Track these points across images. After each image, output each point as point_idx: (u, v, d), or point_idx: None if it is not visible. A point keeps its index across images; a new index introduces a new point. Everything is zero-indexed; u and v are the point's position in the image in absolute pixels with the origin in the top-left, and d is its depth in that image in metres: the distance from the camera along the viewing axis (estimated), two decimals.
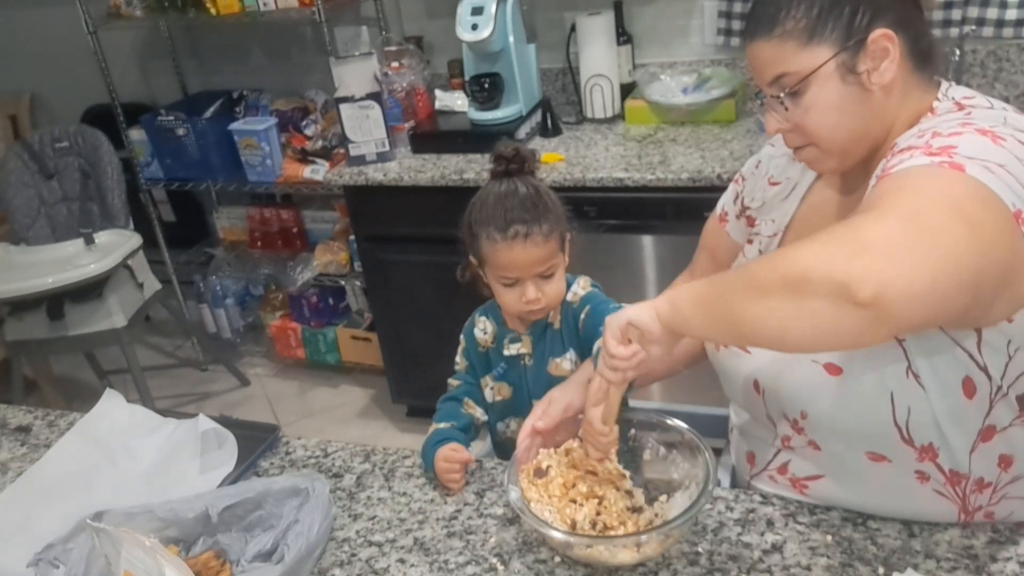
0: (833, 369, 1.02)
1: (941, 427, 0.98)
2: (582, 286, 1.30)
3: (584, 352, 1.28)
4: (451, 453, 1.24)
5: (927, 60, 1.04)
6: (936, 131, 0.93)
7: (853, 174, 1.10)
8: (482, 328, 1.35)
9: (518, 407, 1.33)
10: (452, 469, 1.23)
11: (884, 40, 0.98)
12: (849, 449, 1.05)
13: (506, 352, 1.32)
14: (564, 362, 1.29)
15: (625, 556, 1.04)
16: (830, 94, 1.00)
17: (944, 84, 1.05)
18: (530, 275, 1.22)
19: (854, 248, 0.78)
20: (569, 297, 1.29)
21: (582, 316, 1.27)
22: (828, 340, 0.83)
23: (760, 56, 1.04)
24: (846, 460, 1.06)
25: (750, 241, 1.26)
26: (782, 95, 1.02)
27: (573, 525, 1.08)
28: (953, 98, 1.03)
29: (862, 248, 0.77)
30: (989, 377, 0.96)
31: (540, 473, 1.14)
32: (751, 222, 1.28)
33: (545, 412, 1.18)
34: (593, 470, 1.13)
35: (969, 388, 0.96)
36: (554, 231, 1.22)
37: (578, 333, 1.28)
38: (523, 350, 1.31)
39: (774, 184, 1.24)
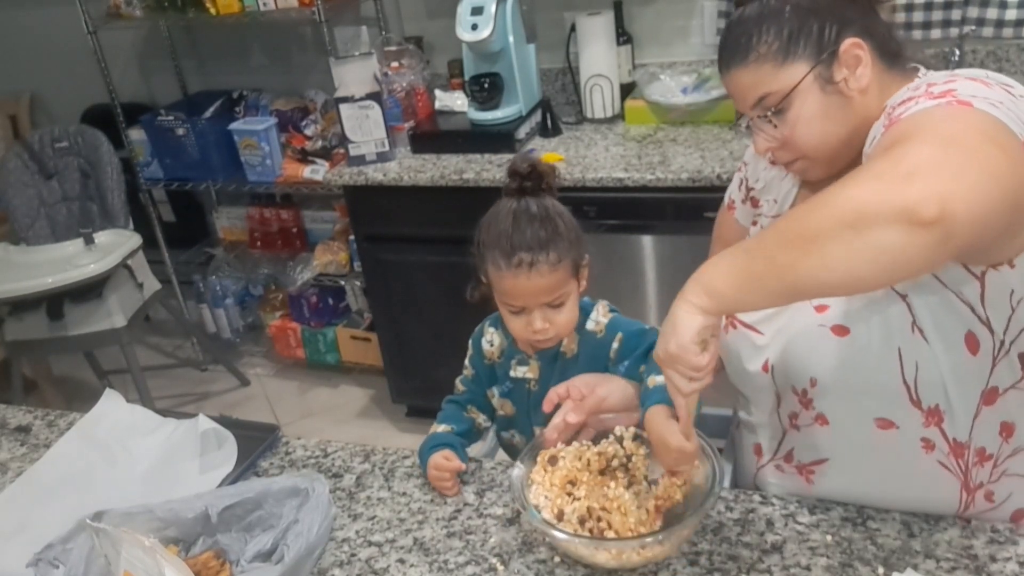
0: (840, 330, 1.03)
1: (947, 386, 1.00)
2: (602, 313, 1.25)
3: None
4: (442, 461, 1.23)
5: (898, 57, 1.08)
6: (929, 83, 0.96)
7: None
8: (489, 340, 1.32)
9: (520, 425, 1.32)
10: (442, 477, 1.23)
11: (854, 48, 1.03)
12: (858, 417, 1.06)
13: (512, 373, 1.29)
14: None
15: (601, 558, 1.04)
16: (813, 105, 1.04)
17: (922, 69, 1.09)
18: (537, 304, 1.17)
19: (904, 174, 0.78)
20: (590, 326, 1.24)
21: (615, 345, 1.22)
22: (898, 270, 0.81)
23: (739, 83, 1.07)
24: (853, 433, 1.07)
25: (755, 222, 1.27)
26: (768, 114, 1.06)
27: (560, 515, 1.07)
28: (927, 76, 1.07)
29: (912, 172, 0.78)
30: (992, 331, 0.98)
31: (553, 461, 1.14)
32: (755, 203, 1.29)
33: (583, 403, 1.17)
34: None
35: (972, 343, 0.99)
36: (564, 260, 1.16)
37: (606, 362, 1.23)
38: (530, 375, 1.28)
39: (775, 162, 1.24)
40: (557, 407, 1.19)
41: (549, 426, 1.16)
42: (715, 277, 0.90)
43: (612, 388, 1.20)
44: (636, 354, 1.21)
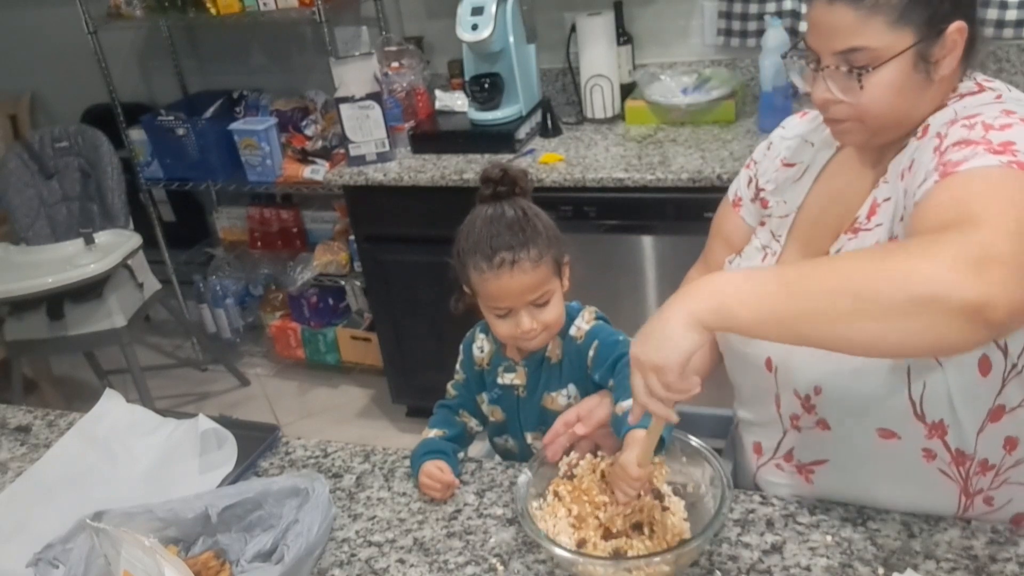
0: None
1: (954, 404, 1.00)
2: (586, 319, 1.24)
3: (588, 388, 1.23)
4: (435, 471, 1.22)
5: (974, 54, 1.04)
6: (985, 122, 0.93)
7: (865, 155, 1.10)
8: (479, 346, 1.31)
9: (512, 430, 1.32)
10: (433, 487, 1.22)
11: (958, 34, 0.98)
12: (859, 426, 1.06)
13: (500, 380, 1.28)
14: (560, 397, 1.24)
15: None
16: (898, 78, 0.98)
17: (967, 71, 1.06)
18: (522, 304, 1.16)
19: (977, 265, 0.77)
20: (572, 331, 1.23)
21: (590, 353, 1.21)
22: (940, 352, 0.84)
23: (838, 20, 0.98)
24: (855, 439, 1.07)
25: (762, 223, 1.25)
26: (855, 70, 0.99)
27: (582, 543, 1.06)
28: (975, 79, 1.04)
29: (986, 264, 0.76)
30: (1006, 355, 0.98)
31: (568, 475, 1.14)
32: (765, 204, 1.26)
33: (590, 416, 1.16)
34: (601, 506, 1.09)
35: (985, 366, 0.98)
36: (544, 256, 1.15)
37: (585, 370, 1.22)
38: (517, 381, 1.27)
39: (788, 165, 1.23)
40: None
41: (553, 430, 1.16)
42: (736, 299, 0.84)
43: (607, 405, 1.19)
44: (606, 364, 1.19)
